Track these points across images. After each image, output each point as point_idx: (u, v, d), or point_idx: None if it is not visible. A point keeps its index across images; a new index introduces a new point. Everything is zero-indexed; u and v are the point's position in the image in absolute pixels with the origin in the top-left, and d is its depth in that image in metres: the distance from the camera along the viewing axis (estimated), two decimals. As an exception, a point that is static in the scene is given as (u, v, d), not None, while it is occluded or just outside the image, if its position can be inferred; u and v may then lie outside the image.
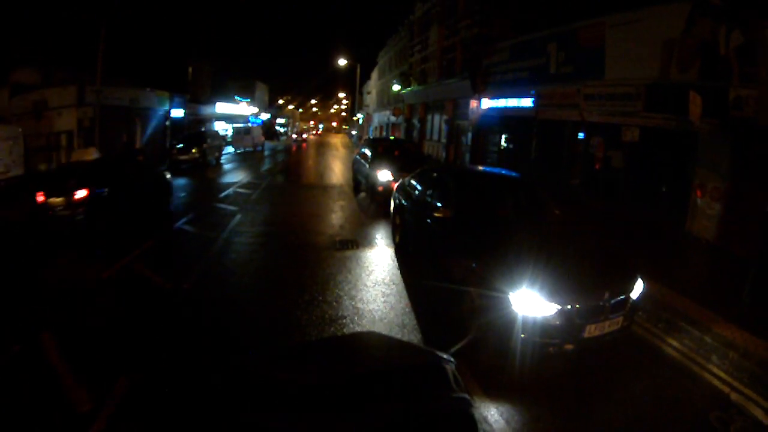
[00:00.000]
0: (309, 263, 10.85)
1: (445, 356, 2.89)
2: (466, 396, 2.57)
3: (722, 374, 6.46)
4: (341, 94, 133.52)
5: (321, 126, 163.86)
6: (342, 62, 62.45)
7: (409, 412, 2.33)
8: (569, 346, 6.14)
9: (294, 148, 59.95)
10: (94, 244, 12.33)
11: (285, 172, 31.48)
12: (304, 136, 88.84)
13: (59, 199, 12.76)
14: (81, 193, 12.77)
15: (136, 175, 15.73)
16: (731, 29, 11.50)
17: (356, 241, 12.74)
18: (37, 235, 12.98)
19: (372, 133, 70.33)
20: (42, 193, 12.88)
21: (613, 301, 6.28)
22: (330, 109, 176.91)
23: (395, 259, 11.30)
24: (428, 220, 9.27)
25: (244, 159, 40.54)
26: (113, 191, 13.64)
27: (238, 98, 65.34)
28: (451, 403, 2.49)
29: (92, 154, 19.56)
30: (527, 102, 22.00)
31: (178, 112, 39.28)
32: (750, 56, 11.05)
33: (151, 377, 5.73)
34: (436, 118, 39.08)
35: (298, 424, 2.20)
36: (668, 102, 13.42)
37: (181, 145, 31.66)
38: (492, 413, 5.43)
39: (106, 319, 7.77)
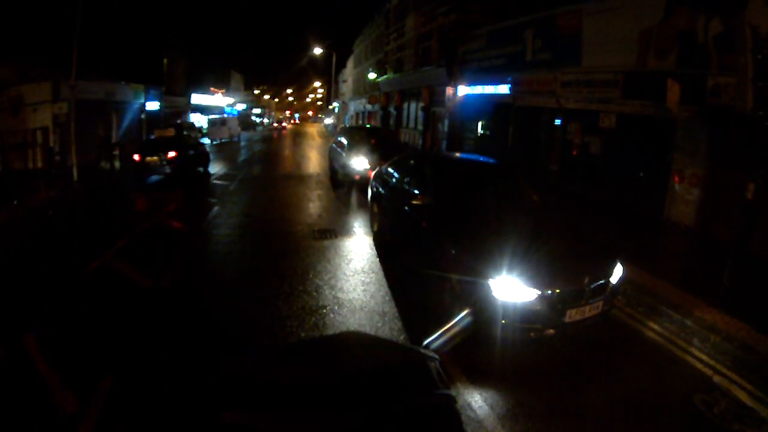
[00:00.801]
0: (288, 254, 10.72)
1: (428, 353, 2.89)
2: (450, 392, 2.59)
3: (704, 357, 6.49)
4: (317, 83, 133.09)
5: (297, 116, 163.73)
6: (318, 51, 62.27)
7: (395, 409, 2.31)
8: (550, 331, 6.11)
9: (275, 136, 60.07)
10: (178, 186, 19.86)
11: (262, 163, 31.23)
12: (284, 124, 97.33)
13: (155, 158, 20.91)
14: (172, 153, 21.12)
15: (193, 146, 24.43)
16: (710, 18, 11.53)
17: (334, 230, 12.63)
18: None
19: (348, 122, 70.19)
20: (139, 155, 21.21)
21: (593, 286, 6.25)
22: (306, 99, 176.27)
23: (374, 247, 11.22)
24: (406, 208, 9.17)
25: (220, 150, 40.14)
26: (185, 154, 22.24)
27: (214, 89, 64.77)
28: (435, 399, 2.49)
29: (172, 132, 27.11)
30: (504, 89, 22.02)
31: (153, 105, 38.98)
32: (728, 45, 11.07)
33: (136, 377, 5.67)
34: (413, 105, 39.03)
35: (287, 424, 2.16)
36: (646, 89, 13.48)
37: None
38: (476, 399, 5.39)
39: (89, 318, 7.57)
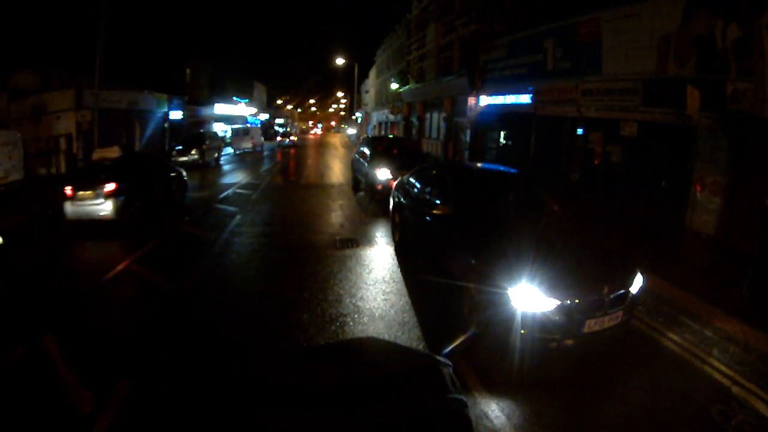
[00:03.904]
0: (309, 262, 10.83)
1: (441, 359, 2.91)
2: (462, 397, 2.60)
3: (723, 368, 6.44)
4: (339, 93, 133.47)
5: (320, 126, 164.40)
6: (340, 61, 62.64)
7: (406, 413, 2.36)
8: (569, 342, 6.11)
9: (293, 151, 61.25)
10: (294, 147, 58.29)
11: (285, 173, 31.43)
12: (314, 131, 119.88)
13: (285, 138, 68.36)
14: (293, 138, 73.19)
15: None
16: (728, 23, 11.49)
17: (356, 239, 12.72)
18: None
19: (371, 132, 70.33)
20: (281, 137, 70.48)
21: (612, 296, 6.25)
22: (329, 109, 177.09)
23: (395, 257, 11.28)
24: (427, 218, 9.23)
25: (243, 160, 40.50)
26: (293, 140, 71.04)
27: (237, 99, 65.29)
28: (447, 404, 2.52)
29: (290, 133, 75.50)
30: (525, 98, 22.03)
31: (176, 114, 39.49)
32: (747, 49, 11.04)
33: (153, 378, 5.78)
34: (435, 115, 39.09)
35: (299, 425, 2.21)
36: (666, 96, 13.43)
37: (180, 147, 31.81)
38: (493, 409, 5.42)
39: (110, 320, 7.81)
